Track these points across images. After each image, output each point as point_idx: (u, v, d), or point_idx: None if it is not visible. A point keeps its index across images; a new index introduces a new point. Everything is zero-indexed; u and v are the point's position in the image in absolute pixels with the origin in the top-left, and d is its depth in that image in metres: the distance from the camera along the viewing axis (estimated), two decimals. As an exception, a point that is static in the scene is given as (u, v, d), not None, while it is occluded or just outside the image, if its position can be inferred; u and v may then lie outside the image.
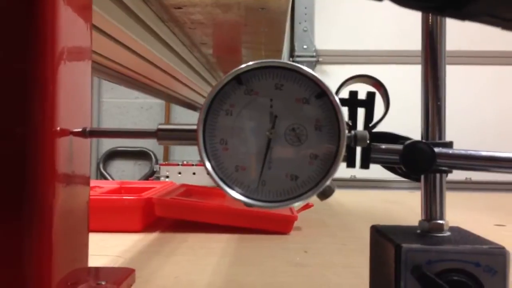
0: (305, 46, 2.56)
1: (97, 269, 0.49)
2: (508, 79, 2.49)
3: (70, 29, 0.40)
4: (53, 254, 0.37)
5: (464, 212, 1.52)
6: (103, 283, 0.45)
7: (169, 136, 0.40)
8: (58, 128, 0.37)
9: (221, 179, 0.37)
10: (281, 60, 0.38)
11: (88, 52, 0.44)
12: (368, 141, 0.39)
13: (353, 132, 0.39)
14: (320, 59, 2.54)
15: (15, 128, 0.36)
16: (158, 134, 0.40)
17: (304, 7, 2.54)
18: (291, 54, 2.53)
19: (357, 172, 2.55)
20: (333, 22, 2.55)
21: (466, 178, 2.28)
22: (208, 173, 0.37)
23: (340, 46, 2.54)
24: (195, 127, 0.38)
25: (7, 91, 0.36)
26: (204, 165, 0.37)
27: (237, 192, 0.37)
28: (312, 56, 2.54)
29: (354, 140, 0.39)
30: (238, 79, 0.38)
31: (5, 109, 0.36)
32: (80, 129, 0.41)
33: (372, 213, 1.57)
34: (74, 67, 0.41)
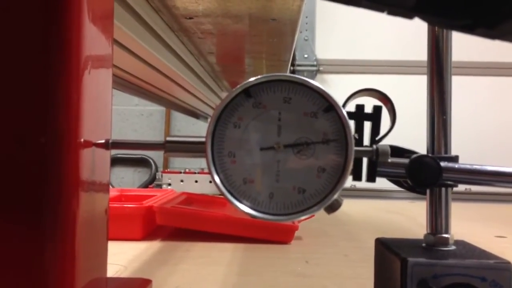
0: (305, 55, 2.57)
1: (115, 279, 0.49)
2: (507, 90, 2.50)
3: (93, 39, 0.40)
4: (75, 263, 0.37)
5: (464, 223, 1.52)
6: None
7: (177, 148, 0.40)
8: (82, 140, 0.38)
9: (229, 192, 0.37)
10: (290, 74, 0.38)
11: (109, 62, 0.44)
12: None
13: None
14: (321, 68, 2.55)
15: (39, 137, 0.36)
16: (166, 146, 0.40)
17: (305, 16, 2.55)
18: (292, 63, 2.54)
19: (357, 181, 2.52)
20: (334, 31, 2.56)
21: (466, 189, 2.28)
22: (217, 186, 0.37)
23: (341, 56, 2.55)
24: (203, 139, 0.38)
25: (33, 100, 0.37)
26: (212, 178, 0.37)
27: (245, 205, 0.37)
28: (313, 65, 2.55)
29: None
30: (247, 92, 0.38)
31: (30, 119, 0.37)
32: (103, 141, 0.41)
33: (374, 223, 1.56)
34: (96, 77, 0.41)
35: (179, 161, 2.60)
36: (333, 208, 0.38)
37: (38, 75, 0.37)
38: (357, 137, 0.41)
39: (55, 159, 0.37)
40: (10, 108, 0.37)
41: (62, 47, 0.37)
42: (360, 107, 0.41)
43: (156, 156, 2.65)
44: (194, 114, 1.89)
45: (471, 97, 2.43)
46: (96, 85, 0.41)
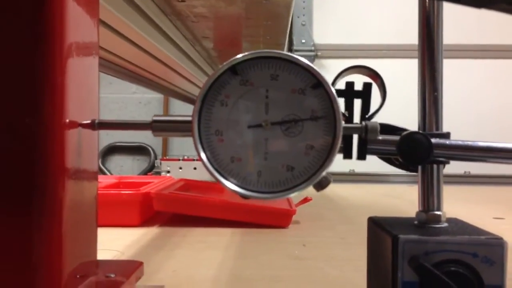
0: (303, 40, 2.55)
1: (105, 262, 0.49)
2: (505, 72, 2.49)
3: (77, 23, 0.40)
4: (62, 247, 0.37)
5: (463, 205, 1.52)
6: (112, 275, 0.45)
7: (164, 127, 0.40)
8: (67, 120, 0.37)
9: (217, 170, 0.37)
10: (277, 51, 0.38)
11: (95, 45, 0.44)
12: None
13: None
14: (319, 53, 2.53)
15: (24, 119, 0.36)
16: (153, 126, 0.40)
17: (302, 1, 2.53)
18: (290, 48, 2.53)
19: (356, 166, 2.54)
20: (332, 16, 2.54)
21: (465, 171, 2.28)
22: (204, 164, 0.37)
23: (339, 40, 2.54)
24: (190, 118, 0.38)
25: (17, 83, 0.36)
26: (199, 156, 0.37)
27: (232, 183, 0.37)
28: (311, 51, 2.53)
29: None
30: (234, 69, 0.38)
31: (15, 102, 0.36)
32: (89, 121, 0.41)
33: (371, 206, 1.57)
34: (81, 60, 0.41)
35: (177, 149, 2.60)
36: (322, 185, 0.38)
37: (23, 58, 0.36)
38: (347, 115, 0.41)
39: (41, 142, 0.36)
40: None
41: (46, 31, 0.36)
42: (350, 85, 0.41)
43: (155, 143, 2.65)
44: (192, 100, 1.89)
45: (469, 79, 2.41)
46: (81, 68, 0.41)
